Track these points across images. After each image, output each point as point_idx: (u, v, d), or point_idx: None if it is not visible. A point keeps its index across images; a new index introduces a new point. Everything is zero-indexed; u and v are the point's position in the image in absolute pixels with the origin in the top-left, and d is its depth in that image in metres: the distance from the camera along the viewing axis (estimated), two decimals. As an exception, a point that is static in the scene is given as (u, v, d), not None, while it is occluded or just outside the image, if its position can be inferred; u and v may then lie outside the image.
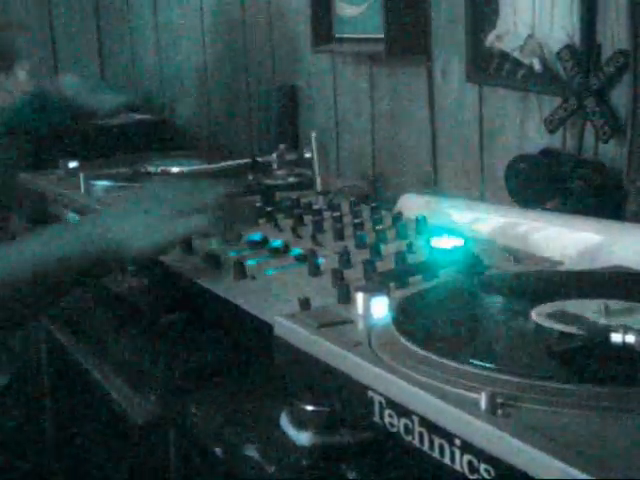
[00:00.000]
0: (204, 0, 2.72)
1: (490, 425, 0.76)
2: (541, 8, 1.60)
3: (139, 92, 3.08)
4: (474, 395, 0.80)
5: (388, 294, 1.03)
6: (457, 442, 0.79)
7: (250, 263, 1.33)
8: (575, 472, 0.69)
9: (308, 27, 2.14)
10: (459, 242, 1.30)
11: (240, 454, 1.06)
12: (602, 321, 0.92)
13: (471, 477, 0.77)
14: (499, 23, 1.69)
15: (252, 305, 1.20)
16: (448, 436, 0.80)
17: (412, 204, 1.58)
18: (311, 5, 2.11)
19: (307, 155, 1.84)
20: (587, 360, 0.85)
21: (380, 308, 1.01)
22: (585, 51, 1.51)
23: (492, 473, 0.75)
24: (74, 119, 2.74)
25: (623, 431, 0.75)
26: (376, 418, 0.89)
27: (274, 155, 1.89)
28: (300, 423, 1.01)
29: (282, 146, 1.92)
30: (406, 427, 0.85)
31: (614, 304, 0.95)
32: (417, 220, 1.45)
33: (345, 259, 1.29)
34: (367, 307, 1.02)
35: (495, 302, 1.07)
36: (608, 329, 0.87)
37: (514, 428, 0.75)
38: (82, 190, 1.80)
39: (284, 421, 1.04)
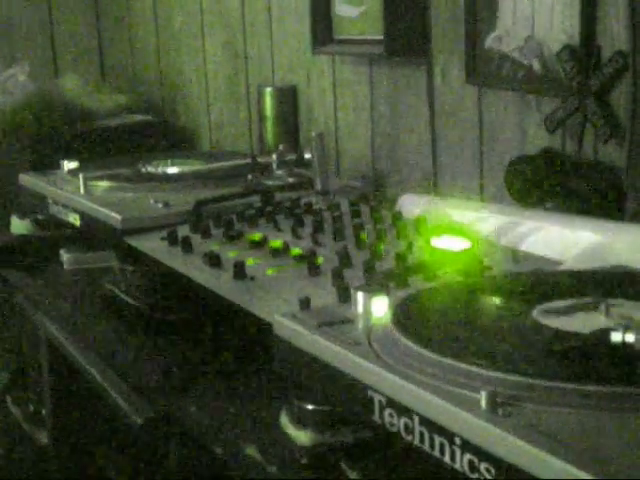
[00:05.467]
0: (204, 0, 2.72)
1: (490, 424, 0.76)
2: (540, 9, 1.60)
3: (139, 93, 3.08)
4: (474, 394, 0.80)
5: (388, 294, 1.03)
6: (457, 441, 0.79)
7: (250, 263, 1.33)
8: (575, 471, 0.69)
9: (308, 28, 2.14)
10: (459, 242, 1.30)
11: (240, 454, 1.06)
12: (602, 320, 0.92)
13: (471, 476, 0.78)
14: (498, 24, 1.69)
15: (252, 305, 1.20)
16: (448, 435, 0.80)
17: (412, 204, 1.58)
18: (311, 6, 2.11)
19: (307, 155, 1.84)
20: (587, 359, 0.85)
21: (380, 307, 1.01)
22: (585, 52, 1.51)
23: (492, 472, 0.76)
24: (74, 120, 2.74)
25: (623, 430, 0.75)
26: (376, 417, 0.89)
27: (274, 155, 1.89)
28: (300, 422, 1.02)
29: (282, 146, 1.92)
30: (406, 426, 0.85)
31: (614, 303, 0.96)
32: (417, 220, 1.45)
33: (345, 259, 1.29)
34: (367, 306, 1.02)
35: (495, 302, 1.07)
36: (608, 328, 0.87)
37: (514, 427, 0.75)
38: (82, 191, 1.80)
39: (284, 420, 1.04)
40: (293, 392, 1.03)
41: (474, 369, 0.84)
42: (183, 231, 1.52)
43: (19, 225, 2.02)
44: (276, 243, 1.39)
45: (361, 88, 2.11)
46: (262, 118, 2.32)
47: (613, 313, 0.94)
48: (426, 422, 0.82)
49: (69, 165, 1.99)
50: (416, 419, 0.84)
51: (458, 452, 0.79)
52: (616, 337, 0.85)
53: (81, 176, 1.82)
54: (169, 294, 1.45)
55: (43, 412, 1.80)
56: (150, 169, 1.93)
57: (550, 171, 1.50)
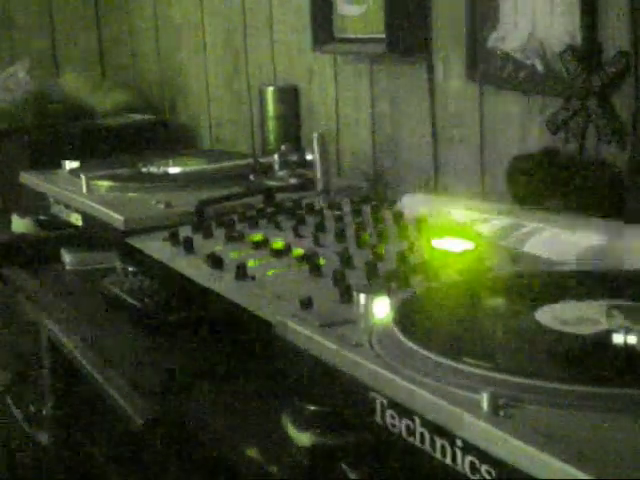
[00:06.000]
0: (204, 0, 2.72)
1: (491, 426, 0.76)
2: (542, 8, 1.60)
3: (139, 91, 3.08)
4: (476, 396, 0.80)
5: (389, 294, 1.03)
6: (459, 443, 0.79)
7: (252, 264, 1.33)
8: (576, 472, 0.69)
9: (309, 27, 2.14)
10: (460, 243, 1.30)
11: (241, 454, 1.06)
12: (603, 322, 0.92)
13: (472, 478, 0.77)
14: (500, 23, 1.69)
15: (253, 305, 1.20)
16: (449, 437, 0.80)
17: (413, 204, 1.58)
18: (312, 5, 2.11)
19: (309, 156, 1.84)
20: (589, 361, 0.85)
21: (381, 308, 1.01)
22: (587, 51, 1.50)
23: (493, 474, 0.75)
24: (75, 118, 2.74)
25: (626, 432, 0.75)
26: (377, 418, 0.89)
27: (275, 156, 1.88)
28: (301, 423, 1.01)
29: (284, 147, 1.92)
30: (407, 428, 0.85)
31: (615, 304, 0.95)
32: (418, 220, 1.44)
33: (346, 259, 1.29)
34: (368, 307, 1.02)
35: (497, 303, 1.07)
36: (610, 330, 0.87)
37: (516, 429, 0.75)
38: (84, 190, 1.80)
39: (285, 421, 1.04)
40: (294, 393, 1.03)
41: (476, 370, 0.84)
42: (185, 232, 1.52)
43: (20, 224, 2.02)
44: (278, 244, 1.39)
45: (362, 87, 2.11)
46: (263, 118, 2.32)
47: (615, 314, 0.93)
48: (427, 423, 0.82)
49: (70, 165, 1.99)
50: (417, 420, 0.84)
51: (459, 454, 0.79)
52: (618, 338, 0.85)
53: (83, 176, 1.81)
54: (170, 295, 1.45)
55: (44, 412, 1.80)
56: (152, 169, 1.93)
57: (552, 171, 1.50)
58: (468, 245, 1.30)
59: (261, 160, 1.93)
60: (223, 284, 1.29)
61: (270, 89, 2.31)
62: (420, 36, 1.88)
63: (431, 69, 1.89)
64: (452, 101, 1.86)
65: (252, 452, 1.05)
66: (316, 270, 1.27)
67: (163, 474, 1.30)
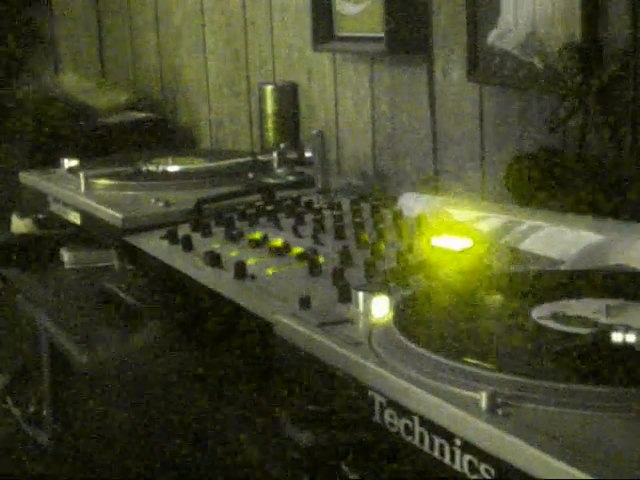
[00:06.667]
0: (204, 0, 2.71)
1: (490, 425, 0.76)
2: (542, 6, 1.59)
3: (139, 90, 3.07)
4: (474, 395, 0.80)
5: (388, 293, 1.03)
6: (457, 442, 0.79)
7: (251, 262, 1.33)
8: (575, 472, 0.69)
9: (309, 25, 2.13)
10: (460, 241, 1.30)
11: (240, 454, 1.06)
12: (603, 321, 0.92)
13: (471, 477, 0.77)
14: (500, 21, 1.69)
15: (252, 304, 1.20)
16: (448, 436, 0.80)
17: (412, 203, 1.58)
18: (312, 3, 2.11)
19: (308, 154, 1.84)
20: (588, 360, 0.85)
21: (381, 307, 1.01)
22: (587, 50, 1.50)
23: (492, 473, 0.75)
24: (75, 119, 2.73)
25: (624, 431, 0.75)
26: (376, 418, 0.89)
27: (275, 154, 1.88)
28: (300, 423, 1.01)
29: (283, 145, 1.92)
30: (406, 427, 0.85)
31: (615, 304, 0.95)
32: (418, 219, 1.44)
33: (346, 258, 1.29)
34: (368, 306, 1.02)
35: (496, 302, 1.07)
36: (609, 329, 0.86)
37: (514, 427, 0.75)
38: (82, 189, 1.80)
39: (284, 421, 1.04)
40: (293, 392, 1.03)
41: (474, 369, 0.84)
42: (184, 230, 1.52)
43: (19, 224, 2.02)
44: (277, 242, 1.39)
45: (362, 86, 2.11)
46: (263, 116, 2.31)
47: (613, 313, 0.93)
48: (426, 423, 0.82)
49: (69, 163, 1.99)
50: (416, 420, 0.84)
51: (458, 453, 0.79)
52: (617, 337, 0.85)
53: (82, 174, 1.81)
54: (169, 293, 1.45)
55: (44, 412, 1.79)
56: (151, 167, 1.93)
57: (551, 170, 1.50)
58: (467, 244, 1.30)
59: (260, 158, 1.93)
60: (222, 283, 1.29)
61: (269, 87, 2.31)
62: (420, 35, 1.88)
63: (431, 67, 1.89)
64: (452, 99, 1.86)
65: (251, 451, 1.05)
66: (315, 269, 1.27)
67: (164, 474, 1.30)
